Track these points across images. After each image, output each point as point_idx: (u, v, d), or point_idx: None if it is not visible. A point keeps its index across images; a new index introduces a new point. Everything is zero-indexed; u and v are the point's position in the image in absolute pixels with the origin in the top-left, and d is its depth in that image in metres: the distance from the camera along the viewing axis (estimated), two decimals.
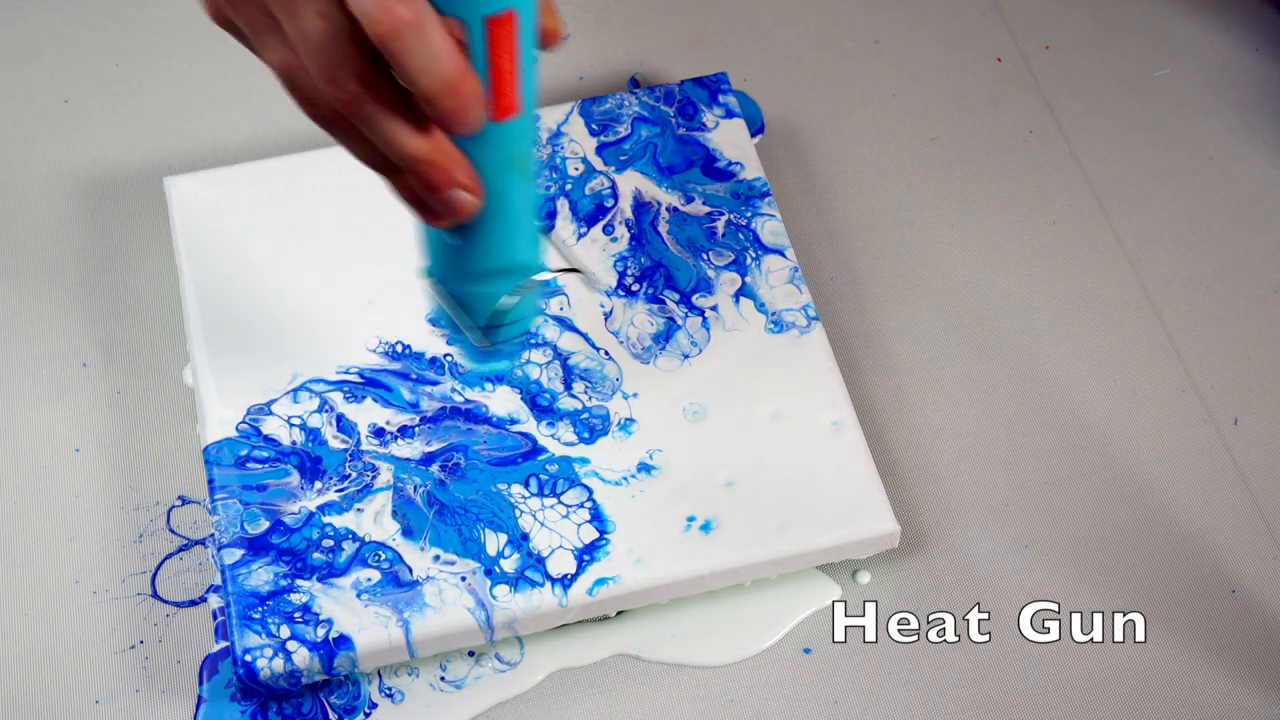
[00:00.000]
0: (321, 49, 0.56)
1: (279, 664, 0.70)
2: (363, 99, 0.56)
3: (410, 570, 0.72)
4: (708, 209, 0.82)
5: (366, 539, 0.73)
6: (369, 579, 0.72)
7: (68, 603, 0.74)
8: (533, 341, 0.78)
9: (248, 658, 0.70)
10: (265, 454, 0.75)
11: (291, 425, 0.75)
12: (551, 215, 0.82)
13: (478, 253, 0.64)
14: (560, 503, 0.74)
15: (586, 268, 0.65)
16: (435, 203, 0.59)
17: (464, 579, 0.72)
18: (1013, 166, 0.88)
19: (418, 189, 0.59)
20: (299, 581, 0.71)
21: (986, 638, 0.74)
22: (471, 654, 0.73)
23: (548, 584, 0.72)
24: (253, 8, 0.58)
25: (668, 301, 0.79)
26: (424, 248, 0.66)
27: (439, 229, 0.62)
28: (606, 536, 0.73)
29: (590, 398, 0.77)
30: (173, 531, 0.76)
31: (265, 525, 0.73)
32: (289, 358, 0.77)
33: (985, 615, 0.74)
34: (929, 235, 0.85)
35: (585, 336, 0.78)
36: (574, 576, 0.72)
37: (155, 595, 0.74)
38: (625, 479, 0.74)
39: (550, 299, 0.79)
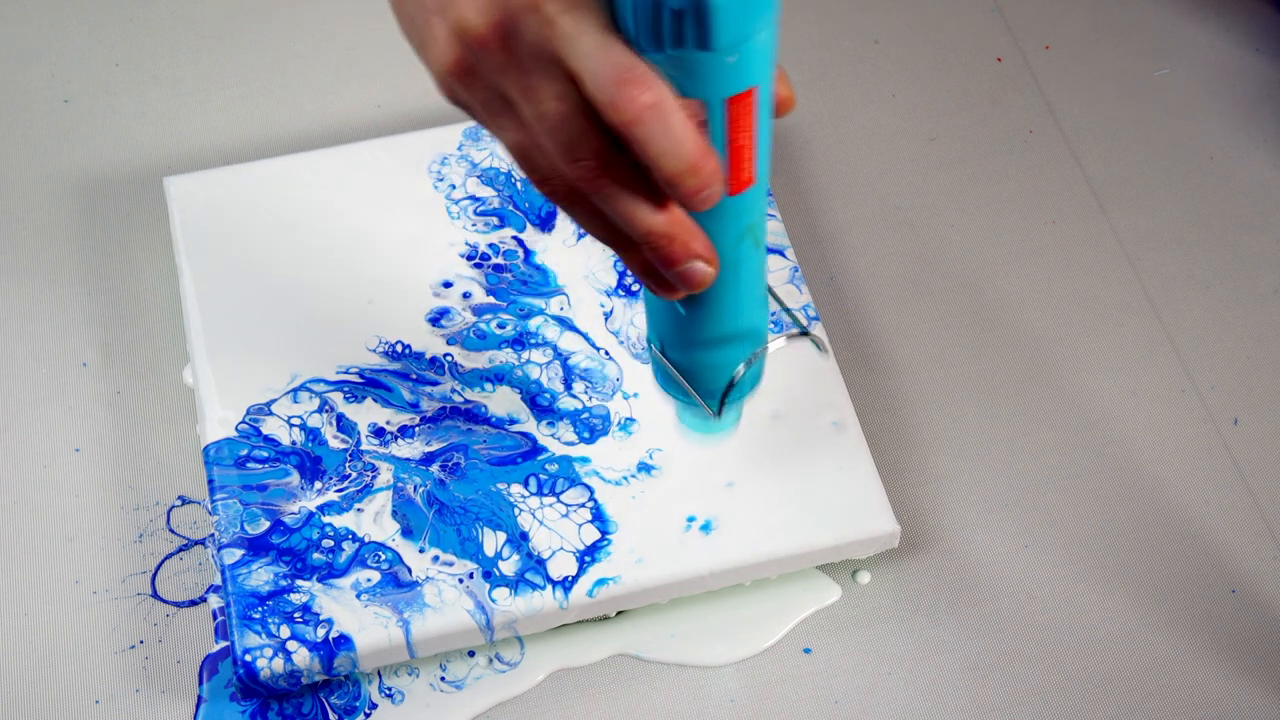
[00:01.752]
0: (559, 130, 0.56)
1: (279, 664, 0.70)
2: (601, 177, 0.56)
3: (410, 571, 0.72)
4: None
5: (366, 539, 0.73)
6: (369, 580, 0.72)
7: (68, 603, 0.74)
8: (532, 341, 0.78)
9: (248, 658, 0.70)
10: (265, 454, 0.75)
11: (291, 425, 0.75)
12: (551, 215, 0.82)
13: (709, 322, 0.63)
14: (560, 502, 0.74)
15: (812, 331, 0.65)
16: (672, 276, 0.59)
17: (462, 580, 0.72)
18: (1013, 166, 0.88)
19: (655, 263, 0.59)
20: (299, 581, 0.71)
21: (986, 638, 0.74)
22: (471, 654, 0.73)
23: (548, 586, 0.72)
24: (487, 90, 0.58)
25: None
26: (651, 317, 0.65)
27: (670, 300, 0.62)
28: (608, 537, 0.73)
29: (590, 397, 0.77)
30: (173, 531, 0.76)
31: (265, 525, 0.73)
32: (289, 358, 0.77)
33: (985, 616, 0.74)
34: (929, 235, 0.85)
35: (585, 336, 0.78)
36: (574, 578, 0.72)
37: (155, 595, 0.74)
38: (625, 479, 0.74)
39: (551, 299, 0.79)
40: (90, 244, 0.84)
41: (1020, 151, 0.88)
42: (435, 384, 0.77)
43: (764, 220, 0.61)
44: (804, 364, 0.77)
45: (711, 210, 0.57)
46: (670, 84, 0.55)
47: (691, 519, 0.73)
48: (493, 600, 0.71)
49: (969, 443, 0.79)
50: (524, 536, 0.73)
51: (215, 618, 0.74)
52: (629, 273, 0.80)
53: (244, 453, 0.75)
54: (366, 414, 0.76)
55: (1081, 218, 0.86)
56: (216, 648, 0.73)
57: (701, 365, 0.65)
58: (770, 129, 0.59)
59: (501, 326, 0.78)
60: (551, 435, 0.75)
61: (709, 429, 0.68)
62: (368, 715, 0.72)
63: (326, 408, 0.76)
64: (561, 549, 0.72)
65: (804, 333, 0.66)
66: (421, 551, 0.72)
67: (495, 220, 0.82)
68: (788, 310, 0.67)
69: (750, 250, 0.61)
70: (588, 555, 0.72)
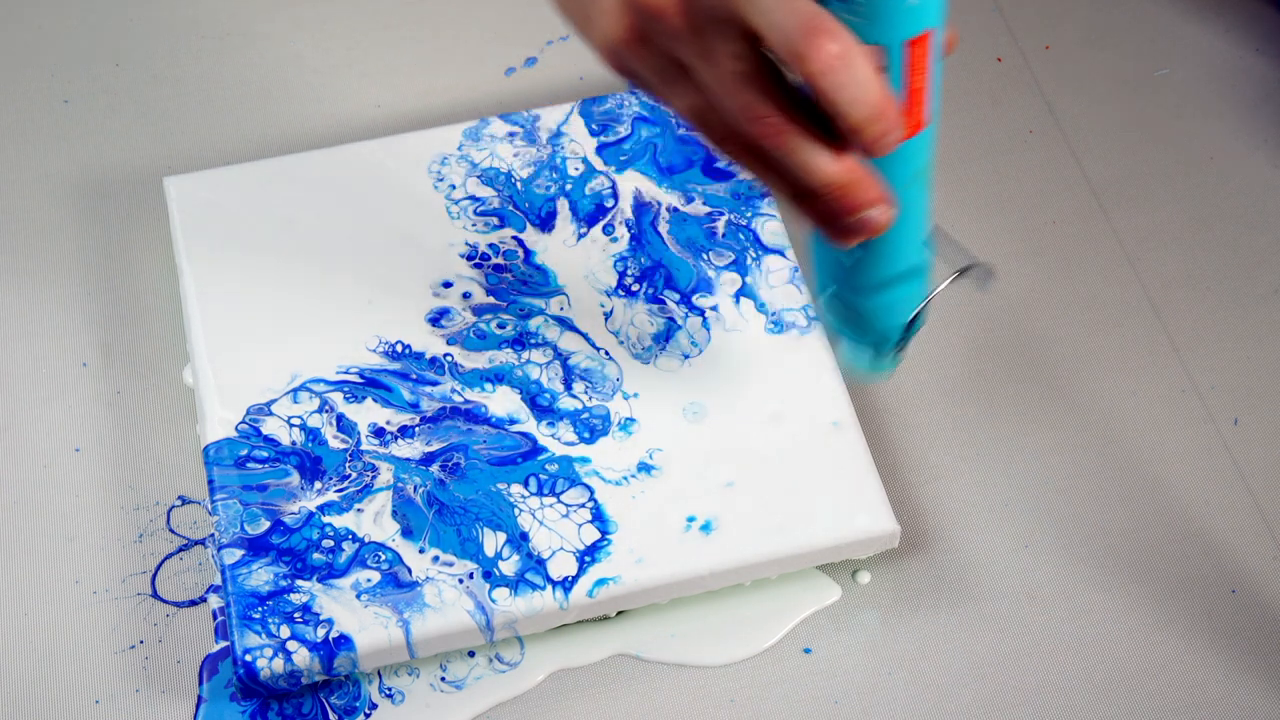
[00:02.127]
0: (740, 90, 0.57)
1: (279, 664, 0.70)
2: (781, 133, 0.58)
3: (410, 571, 0.72)
4: (708, 209, 0.82)
5: (366, 539, 0.73)
6: (369, 580, 0.72)
7: (68, 603, 0.74)
8: (532, 341, 0.78)
9: (248, 658, 0.70)
10: (265, 454, 0.75)
11: (291, 425, 0.75)
12: (551, 215, 0.82)
13: (882, 263, 0.65)
14: (560, 502, 0.74)
15: (974, 259, 0.67)
16: (852, 223, 0.60)
17: (462, 581, 0.72)
18: (1013, 166, 0.88)
19: (834, 211, 0.60)
20: (299, 581, 0.71)
21: (986, 638, 0.74)
22: (471, 654, 0.73)
23: (548, 586, 0.72)
24: (660, 57, 0.59)
25: (668, 301, 0.79)
26: (820, 266, 0.67)
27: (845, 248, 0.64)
28: (608, 537, 0.73)
29: (590, 398, 0.77)
30: (173, 531, 0.76)
31: (265, 525, 0.73)
32: (289, 358, 0.77)
33: (985, 616, 0.74)
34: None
35: (585, 336, 0.78)
36: (574, 578, 0.72)
37: (155, 595, 0.74)
38: (625, 479, 0.74)
39: (551, 299, 0.79)
40: (90, 244, 0.84)
41: (1020, 151, 0.88)
42: (435, 384, 0.77)
43: (933, 162, 0.63)
44: (804, 364, 0.77)
45: (888, 155, 0.59)
46: (851, 31, 0.56)
47: (691, 519, 0.73)
48: (493, 600, 0.71)
49: (969, 443, 0.79)
50: (524, 537, 0.73)
51: (215, 618, 0.74)
52: (628, 273, 0.80)
53: (244, 453, 0.75)
54: (366, 414, 0.76)
55: (1081, 218, 0.86)
56: (216, 648, 0.73)
57: (875, 306, 0.67)
58: (941, 71, 0.60)
59: (501, 326, 0.78)
60: (551, 435, 0.75)
61: (879, 367, 0.71)
62: (368, 715, 0.72)
63: (326, 408, 0.76)
64: (561, 549, 0.72)
65: (970, 268, 0.68)
66: (421, 552, 0.72)
67: (495, 220, 0.82)
68: (958, 246, 0.69)
69: (920, 192, 0.63)
70: (588, 555, 0.72)
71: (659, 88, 0.61)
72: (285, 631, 0.70)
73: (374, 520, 0.73)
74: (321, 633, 0.70)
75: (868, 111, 0.57)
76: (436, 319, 0.79)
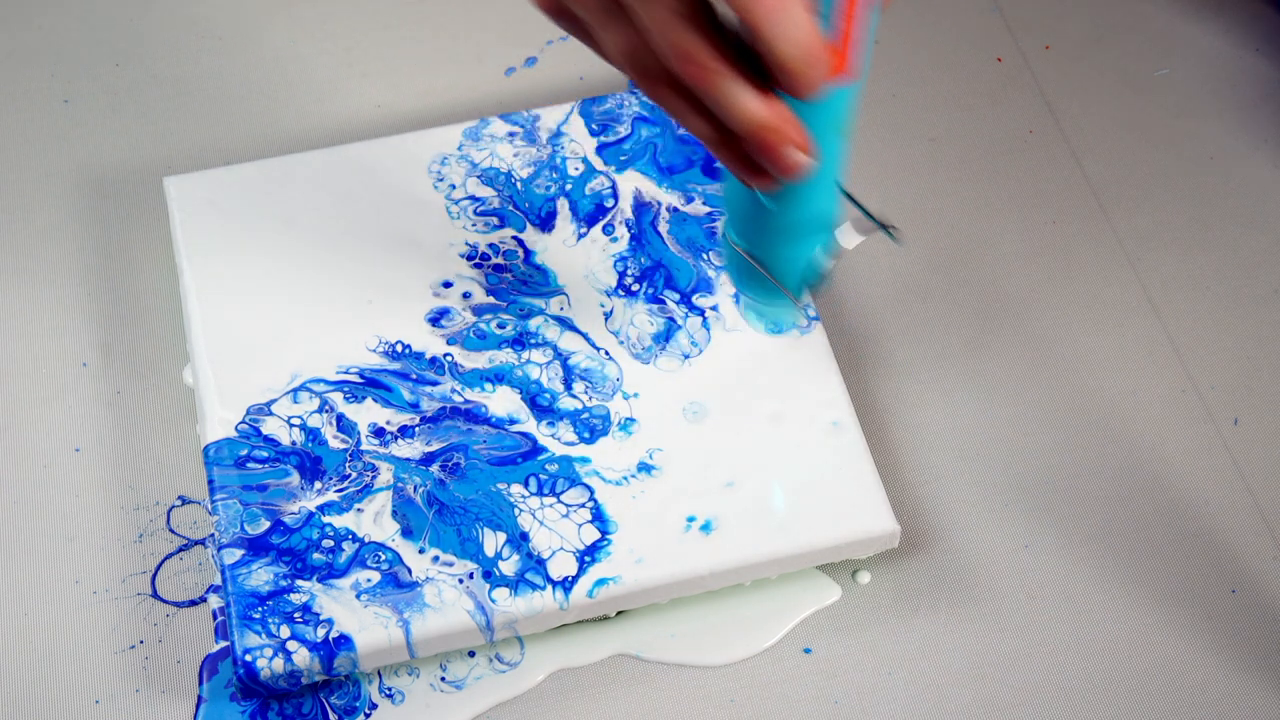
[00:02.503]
0: (675, 29, 0.59)
1: (279, 664, 0.70)
2: (715, 71, 0.60)
3: (410, 571, 0.72)
4: (708, 209, 0.82)
5: (366, 539, 0.73)
6: (369, 580, 0.72)
7: (68, 603, 0.74)
8: (532, 341, 0.78)
9: (248, 658, 0.70)
10: (265, 454, 0.75)
11: (291, 425, 0.75)
12: (551, 215, 0.82)
13: (795, 214, 0.67)
14: (560, 502, 0.74)
15: (885, 219, 0.69)
16: (772, 165, 0.62)
17: (462, 581, 0.72)
18: (1013, 166, 0.88)
19: (757, 153, 0.62)
20: (299, 582, 0.71)
21: (986, 638, 0.74)
22: (472, 654, 0.73)
23: (548, 586, 0.72)
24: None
25: (668, 301, 0.79)
26: (731, 213, 0.69)
27: (756, 195, 0.67)
28: (608, 537, 0.73)
29: (590, 398, 0.77)
30: (173, 531, 0.76)
31: (265, 525, 0.73)
32: (289, 358, 0.77)
33: (985, 616, 0.74)
34: (929, 235, 0.85)
35: (585, 336, 0.78)
36: (575, 578, 0.72)
37: (155, 595, 0.74)
38: (625, 479, 0.74)
39: (551, 299, 0.79)
40: (90, 244, 0.84)
41: (1020, 151, 0.88)
42: (435, 384, 0.77)
43: (853, 115, 0.65)
44: (804, 364, 0.77)
45: (810, 103, 0.61)
46: None
47: (691, 519, 0.73)
48: (493, 600, 0.71)
49: (969, 443, 0.79)
50: (524, 537, 0.73)
51: (215, 618, 0.74)
52: (628, 273, 0.80)
53: (244, 453, 0.75)
54: (366, 414, 0.76)
55: (1081, 218, 0.86)
56: (216, 648, 0.73)
57: (780, 257, 0.69)
58: (874, 25, 0.62)
59: (501, 326, 0.78)
60: (551, 435, 0.75)
61: (780, 322, 0.74)
62: (368, 715, 0.72)
63: (326, 408, 0.76)
64: (561, 549, 0.72)
65: (881, 226, 0.69)
66: (421, 552, 0.72)
67: (495, 220, 0.82)
68: (861, 207, 0.70)
69: (838, 144, 0.65)
70: (588, 555, 0.72)
71: (594, 28, 0.62)
72: (285, 631, 0.70)
73: (374, 520, 0.73)
74: (321, 633, 0.70)
75: (800, 53, 0.58)
76: (436, 319, 0.79)
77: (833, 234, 0.69)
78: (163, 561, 0.75)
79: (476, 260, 0.80)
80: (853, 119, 0.65)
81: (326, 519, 0.73)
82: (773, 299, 0.72)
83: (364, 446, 0.75)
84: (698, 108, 0.62)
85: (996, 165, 0.88)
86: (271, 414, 0.76)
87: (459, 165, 0.83)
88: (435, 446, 0.75)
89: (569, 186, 0.83)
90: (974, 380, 0.81)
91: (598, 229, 0.81)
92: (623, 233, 0.81)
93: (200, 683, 0.72)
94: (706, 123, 0.62)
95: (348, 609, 0.71)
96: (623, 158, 0.83)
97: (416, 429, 0.75)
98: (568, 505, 0.74)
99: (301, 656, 0.70)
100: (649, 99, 0.62)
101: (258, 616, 0.71)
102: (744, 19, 0.58)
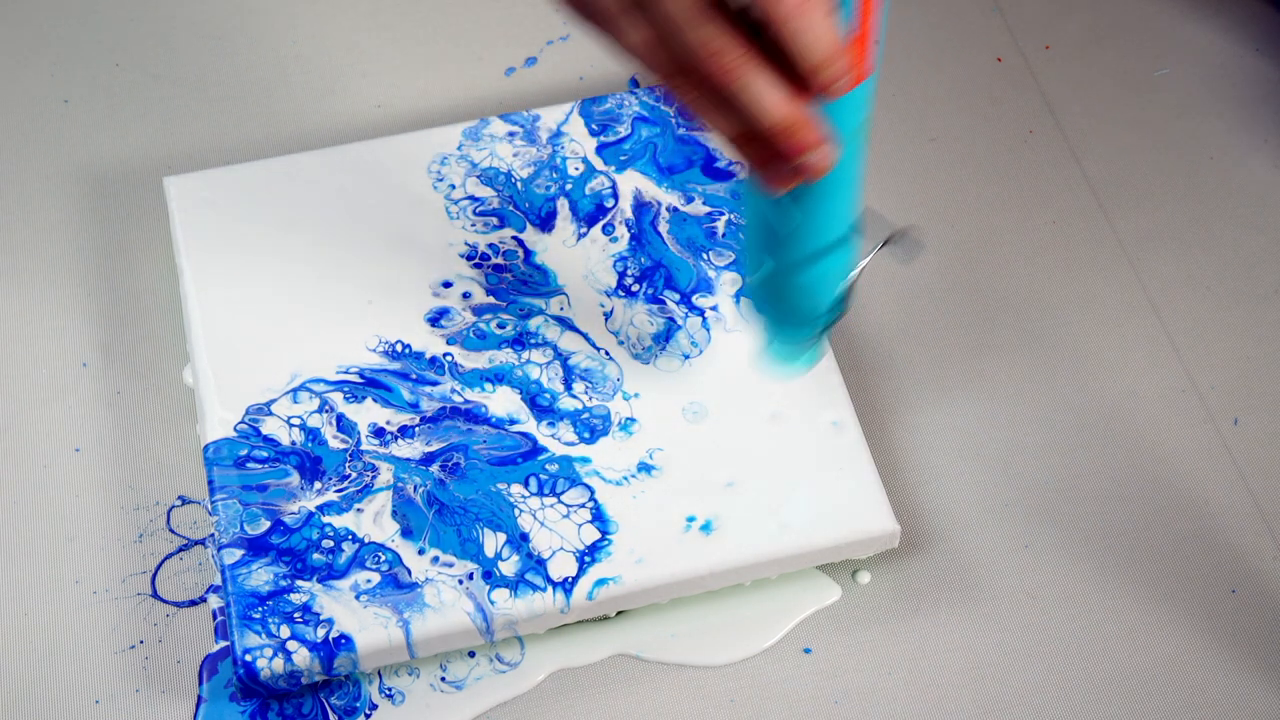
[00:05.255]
0: (701, 22, 0.59)
1: (279, 664, 0.70)
2: (740, 67, 0.59)
3: (410, 572, 0.72)
4: (708, 209, 0.82)
5: (366, 540, 0.73)
6: (368, 581, 0.72)
7: (68, 603, 0.74)
8: (532, 341, 0.78)
9: (248, 658, 0.70)
10: (265, 454, 0.75)
11: (291, 425, 0.75)
12: (551, 215, 0.82)
13: (819, 226, 0.67)
14: (561, 502, 0.74)
15: (900, 229, 0.68)
16: (796, 158, 0.62)
17: (462, 581, 0.72)
18: (1013, 166, 0.88)
19: (780, 152, 0.61)
20: (299, 582, 0.71)
21: (986, 638, 0.74)
22: (472, 654, 0.73)
23: (548, 587, 0.72)
24: None
25: (668, 301, 0.79)
26: (752, 246, 0.69)
27: (777, 208, 0.66)
28: (608, 537, 0.73)
29: (590, 398, 0.77)
30: (173, 531, 0.76)
31: (265, 525, 0.73)
32: (289, 358, 0.77)
33: (985, 616, 0.74)
34: (929, 235, 0.85)
35: (585, 336, 0.78)
36: (575, 578, 0.72)
37: (155, 595, 0.74)
38: (626, 479, 0.74)
39: (551, 299, 0.79)
40: (90, 244, 0.84)
41: (1020, 151, 0.88)
42: (435, 384, 0.77)
43: (868, 118, 0.65)
44: None
45: (832, 103, 0.61)
46: None
47: (691, 519, 0.73)
48: (492, 601, 0.71)
49: (969, 443, 0.79)
50: (524, 537, 0.73)
51: (215, 618, 0.74)
52: (628, 273, 0.80)
53: (244, 453, 0.75)
54: (366, 414, 0.76)
55: (1081, 218, 0.86)
56: (216, 648, 0.73)
57: (808, 280, 0.68)
58: (886, 20, 0.62)
59: (501, 326, 0.79)
60: (551, 435, 0.75)
61: (801, 356, 0.72)
62: (368, 715, 0.72)
63: (326, 408, 0.76)
64: (561, 549, 0.72)
65: (896, 236, 0.69)
66: (421, 553, 0.72)
67: (495, 220, 0.82)
68: (883, 219, 0.70)
69: (860, 145, 0.65)
70: (588, 555, 0.72)
71: (613, 19, 0.62)
72: (285, 631, 0.70)
73: (374, 520, 0.73)
74: (321, 633, 0.70)
75: (824, 54, 0.58)
76: (436, 319, 0.79)
77: (852, 252, 0.68)
78: (163, 561, 0.75)
79: (476, 260, 0.80)
80: (869, 115, 0.65)
81: (326, 519, 0.73)
82: (799, 331, 0.70)
83: (364, 446, 0.75)
84: (720, 102, 0.61)
85: (996, 165, 0.88)
86: (271, 414, 0.76)
87: (459, 165, 0.83)
88: (435, 446, 0.75)
89: (569, 186, 0.83)
90: (974, 380, 0.81)
91: (598, 229, 0.81)
92: (623, 233, 0.81)
93: (200, 683, 0.72)
94: (728, 118, 0.62)
95: (348, 609, 0.71)
96: (623, 158, 0.83)
97: (416, 429, 0.75)
98: (568, 505, 0.74)
99: (301, 656, 0.70)
100: (670, 94, 0.62)
101: (258, 616, 0.71)
102: (770, 20, 0.58)
